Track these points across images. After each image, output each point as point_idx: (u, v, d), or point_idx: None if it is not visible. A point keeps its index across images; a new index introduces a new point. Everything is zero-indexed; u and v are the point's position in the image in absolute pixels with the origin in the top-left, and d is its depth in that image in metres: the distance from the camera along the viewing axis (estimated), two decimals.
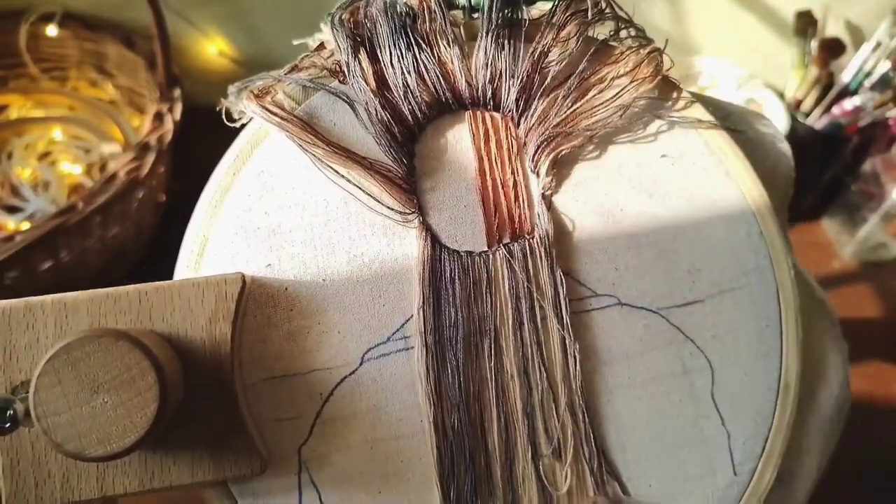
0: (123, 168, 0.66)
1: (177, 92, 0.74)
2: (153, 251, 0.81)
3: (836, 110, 0.83)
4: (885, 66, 0.80)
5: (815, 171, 0.88)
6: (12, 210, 0.77)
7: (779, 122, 0.85)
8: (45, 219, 0.63)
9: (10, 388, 0.27)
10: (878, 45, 0.80)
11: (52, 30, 0.81)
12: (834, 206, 0.91)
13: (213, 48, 0.89)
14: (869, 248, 0.88)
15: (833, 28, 0.84)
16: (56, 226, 0.62)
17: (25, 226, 0.75)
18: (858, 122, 0.83)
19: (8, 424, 0.24)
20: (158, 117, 0.71)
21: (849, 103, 0.81)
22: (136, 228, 0.75)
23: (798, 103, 0.86)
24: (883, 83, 0.81)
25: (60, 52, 0.84)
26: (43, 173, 0.79)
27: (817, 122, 0.84)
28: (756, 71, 0.90)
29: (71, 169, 0.80)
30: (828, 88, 0.84)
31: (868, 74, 0.82)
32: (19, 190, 0.78)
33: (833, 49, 0.82)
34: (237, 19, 0.87)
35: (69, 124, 0.83)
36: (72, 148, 0.82)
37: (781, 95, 0.88)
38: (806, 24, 0.83)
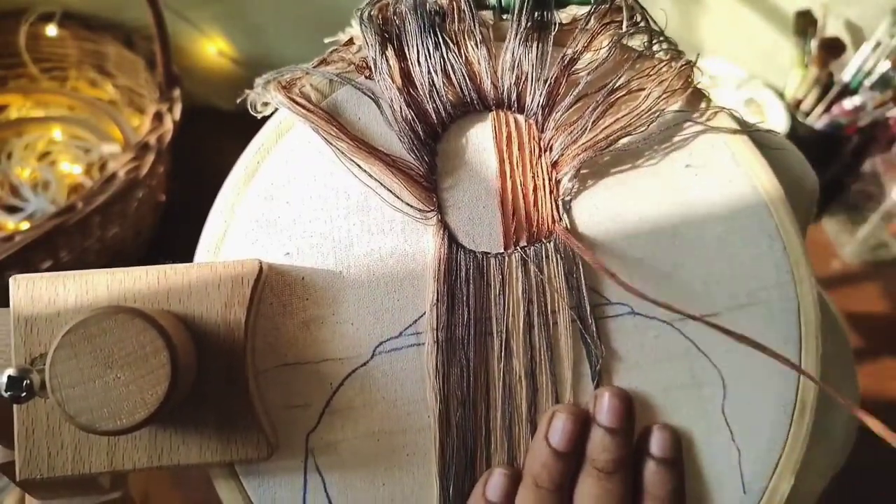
0: (123, 168, 0.66)
1: (176, 92, 0.73)
2: (152, 251, 0.81)
3: (836, 110, 0.83)
4: (885, 66, 0.81)
5: (815, 171, 0.88)
6: (12, 210, 0.76)
7: (779, 122, 0.86)
8: (45, 219, 0.62)
9: (29, 360, 0.27)
10: (878, 44, 0.80)
11: (51, 30, 0.81)
12: (834, 206, 0.91)
13: (213, 48, 0.89)
14: (869, 248, 0.89)
15: (833, 28, 0.84)
16: (56, 226, 0.62)
17: (25, 226, 0.74)
18: (858, 121, 0.83)
19: (24, 394, 0.25)
20: (158, 117, 0.71)
21: (849, 103, 0.82)
22: (135, 228, 0.74)
23: (798, 103, 0.87)
24: (883, 83, 0.81)
25: (60, 51, 0.84)
26: (43, 173, 0.79)
27: (817, 121, 0.85)
28: (756, 71, 0.90)
29: (71, 169, 0.80)
30: (828, 88, 0.84)
31: (868, 74, 0.82)
32: (19, 190, 0.78)
33: (833, 49, 0.82)
34: (237, 19, 0.87)
35: (69, 124, 0.82)
36: (71, 148, 0.81)
37: (781, 95, 0.88)
38: (806, 23, 0.83)
